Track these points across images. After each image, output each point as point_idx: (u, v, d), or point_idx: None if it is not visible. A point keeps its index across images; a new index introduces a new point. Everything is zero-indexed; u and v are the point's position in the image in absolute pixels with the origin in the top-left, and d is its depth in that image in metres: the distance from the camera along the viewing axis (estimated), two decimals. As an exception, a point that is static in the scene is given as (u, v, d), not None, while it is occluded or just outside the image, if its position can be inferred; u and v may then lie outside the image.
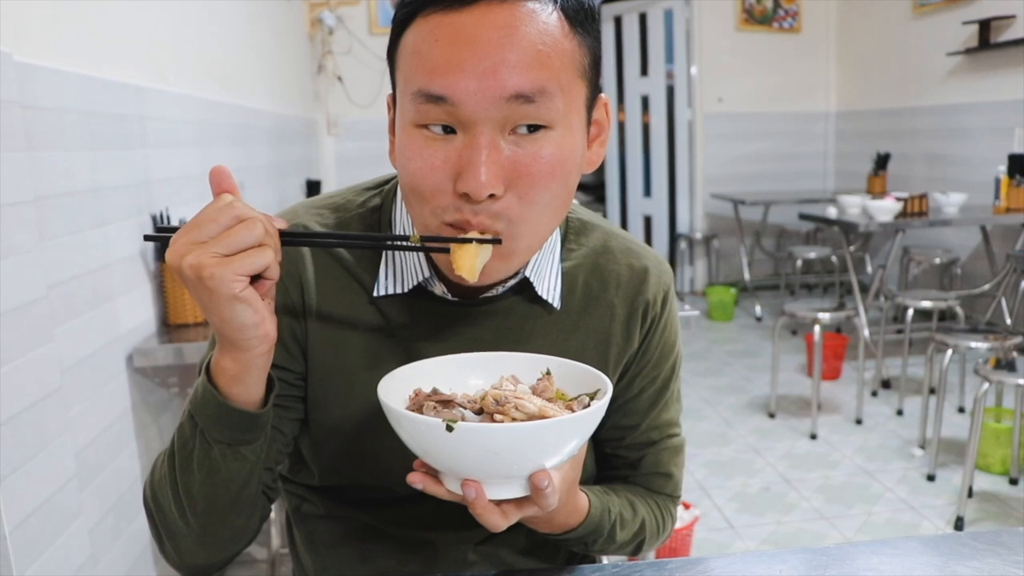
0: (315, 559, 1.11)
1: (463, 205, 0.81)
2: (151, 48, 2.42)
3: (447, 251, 0.83)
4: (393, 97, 0.89)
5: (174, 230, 0.75)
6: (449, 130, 0.80)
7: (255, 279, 0.75)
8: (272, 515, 2.63)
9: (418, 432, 0.75)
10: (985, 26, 5.18)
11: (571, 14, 0.81)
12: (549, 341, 1.00)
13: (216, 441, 0.84)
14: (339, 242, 0.88)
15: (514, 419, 0.78)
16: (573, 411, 0.82)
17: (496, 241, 0.81)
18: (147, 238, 0.80)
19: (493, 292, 0.97)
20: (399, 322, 0.97)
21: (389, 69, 0.88)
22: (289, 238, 0.80)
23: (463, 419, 0.78)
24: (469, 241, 0.82)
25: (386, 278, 0.96)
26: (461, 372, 0.90)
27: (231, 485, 0.87)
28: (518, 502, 0.79)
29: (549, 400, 0.83)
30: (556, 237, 1.01)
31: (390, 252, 0.96)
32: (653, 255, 1.08)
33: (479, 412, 0.81)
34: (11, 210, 1.52)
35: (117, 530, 1.97)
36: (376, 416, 0.96)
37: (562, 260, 1.02)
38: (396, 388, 0.83)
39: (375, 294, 0.96)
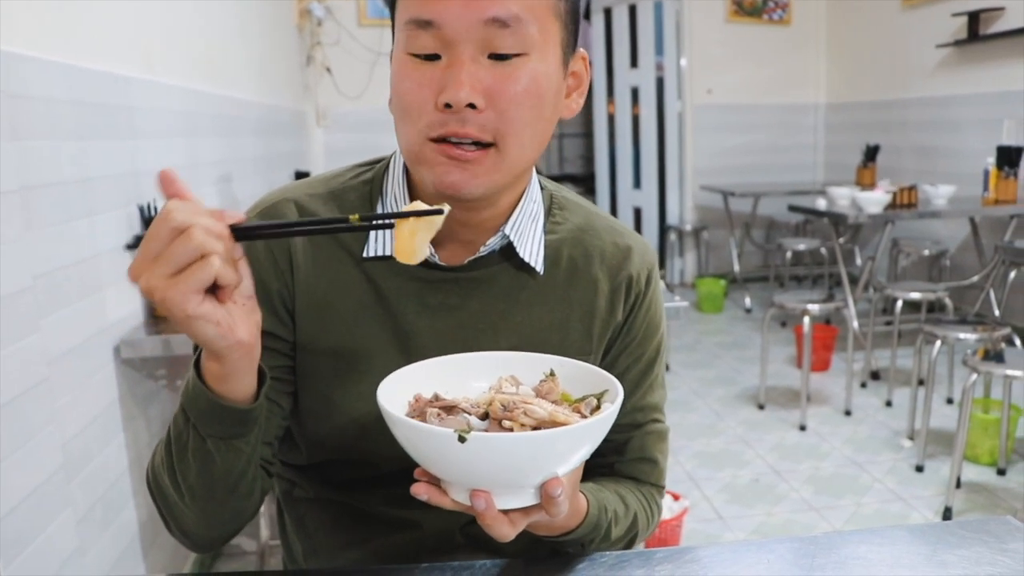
0: (305, 544, 1.12)
1: (448, 118, 0.86)
2: (138, 38, 2.40)
3: (391, 226, 0.82)
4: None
5: None
6: (433, 58, 0.87)
7: (213, 287, 0.72)
8: (262, 508, 2.62)
9: (427, 444, 0.73)
10: (974, 18, 5.19)
11: None
12: (535, 311, 1.02)
13: (208, 435, 0.85)
14: (291, 231, 0.83)
15: (523, 425, 0.76)
16: (581, 413, 0.81)
17: (437, 211, 0.79)
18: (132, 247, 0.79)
19: (478, 253, 0.99)
20: (386, 287, 0.99)
21: (391, 15, 0.95)
22: (241, 232, 0.75)
23: (469, 426, 0.77)
24: (408, 216, 0.79)
25: (375, 239, 0.99)
26: (460, 372, 0.89)
27: (227, 475, 0.88)
28: (526, 509, 0.79)
29: (555, 403, 0.82)
30: (539, 207, 1.05)
31: (380, 212, 1.00)
32: (636, 236, 1.12)
33: (484, 417, 0.79)
34: (-4, 200, 1.51)
35: (105, 521, 1.96)
36: (362, 384, 0.98)
37: (546, 232, 1.05)
38: (394, 392, 0.81)
39: (365, 255, 0.98)
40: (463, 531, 1.07)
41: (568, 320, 1.03)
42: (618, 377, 1.06)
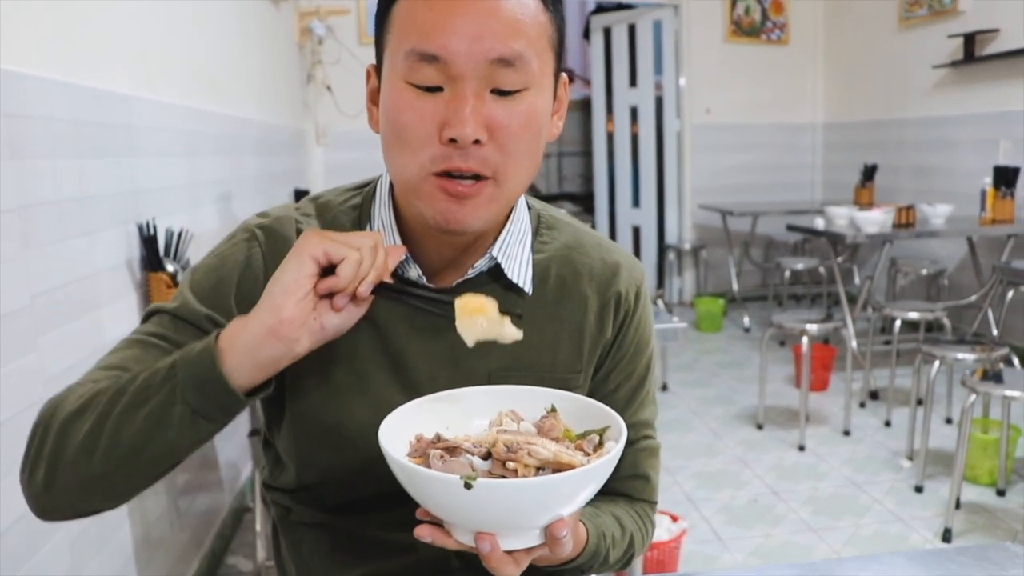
0: (300, 567, 1.11)
1: (452, 152, 0.87)
2: (139, 57, 2.41)
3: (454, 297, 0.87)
4: (375, 67, 0.97)
5: None
6: (434, 89, 0.88)
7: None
8: (258, 527, 2.61)
9: (433, 489, 0.73)
10: (970, 39, 5.22)
11: None
12: (524, 331, 1.01)
13: (184, 402, 0.81)
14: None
15: (527, 466, 0.76)
16: (584, 450, 0.81)
17: (518, 314, 0.90)
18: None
19: (466, 275, 1.00)
20: (375, 310, 0.98)
21: (376, 36, 0.95)
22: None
23: (473, 467, 0.77)
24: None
25: None
26: (461, 407, 0.89)
27: (167, 449, 0.84)
28: (529, 549, 0.79)
29: (556, 440, 0.82)
30: (526, 227, 1.06)
31: None
32: (625, 252, 1.12)
33: (486, 457, 0.79)
34: (-5, 219, 1.51)
35: (100, 541, 1.95)
36: (354, 405, 0.98)
37: (534, 252, 1.05)
38: (395, 431, 0.81)
39: None
40: (459, 555, 1.06)
41: (558, 338, 1.04)
42: (610, 394, 1.07)
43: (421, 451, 0.80)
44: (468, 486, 0.70)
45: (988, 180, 4.66)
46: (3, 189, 1.55)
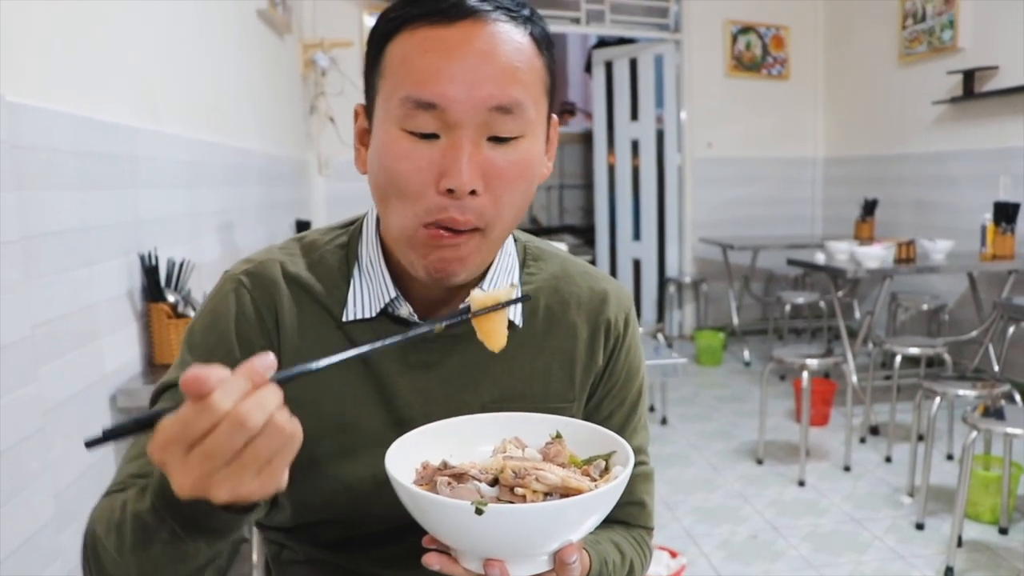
0: None
1: (448, 204, 0.86)
2: (143, 88, 2.43)
3: (465, 320, 0.85)
4: (365, 108, 0.95)
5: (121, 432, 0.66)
6: (430, 136, 0.87)
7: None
8: (254, 559, 2.59)
9: (443, 515, 0.73)
10: (969, 76, 5.26)
11: (538, 38, 0.91)
12: (515, 363, 1.03)
13: (193, 536, 0.75)
14: (356, 354, 0.76)
15: (535, 492, 0.76)
16: (590, 476, 0.81)
17: (525, 298, 0.90)
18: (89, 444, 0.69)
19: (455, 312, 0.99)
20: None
21: (365, 79, 0.94)
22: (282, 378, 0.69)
23: (480, 493, 0.77)
24: (488, 311, 0.84)
25: (354, 303, 0.99)
26: (464, 435, 0.89)
27: (204, 567, 0.80)
28: (538, 575, 0.79)
29: (563, 466, 0.82)
30: (513, 260, 1.06)
31: (357, 277, 1.00)
32: (612, 280, 1.13)
33: (493, 483, 0.79)
34: (-3, 249, 1.52)
35: (96, 574, 1.93)
36: (348, 444, 0.98)
37: (522, 283, 1.06)
38: (400, 459, 0.81)
39: (344, 319, 0.98)
40: None
41: (549, 368, 1.04)
42: (603, 422, 1.07)
43: (428, 478, 0.80)
44: (479, 511, 0.69)
45: (988, 216, 4.67)
46: (7, 220, 1.56)
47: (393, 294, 0.98)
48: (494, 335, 0.84)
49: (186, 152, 2.78)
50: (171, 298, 2.25)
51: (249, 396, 0.63)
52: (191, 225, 2.77)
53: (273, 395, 0.65)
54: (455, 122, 0.85)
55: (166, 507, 0.74)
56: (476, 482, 0.79)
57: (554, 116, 1.00)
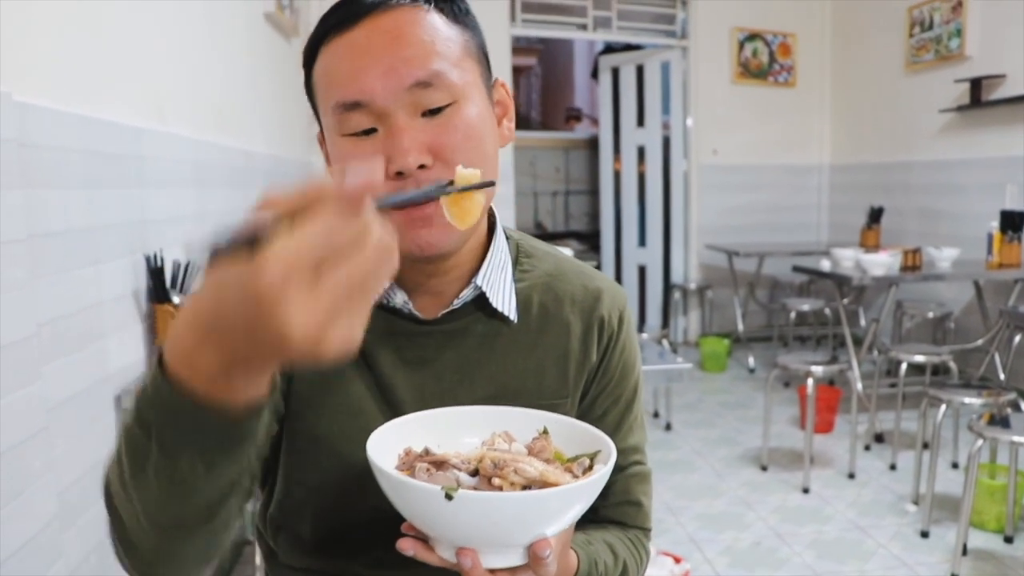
0: None
1: (403, 186, 0.88)
2: (151, 89, 2.43)
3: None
4: (321, 133, 0.98)
5: None
6: (370, 131, 0.90)
7: None
8: (257, 561, 2.59)
9: (414, 499, 0.73)
10: (976, 84, 5.25)
11: (445, 11, 0.93)
12: (509, 359, 1.03)
13: (183, 452, 0.65)
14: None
15: (513, 483, 0.76)
16: (573, 473, 0.80)
17: (490, 184, 0.85)
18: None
19: (452, 306, 1.00)
20: (363, 340, 0.97)
21: (310, 104, 0.98)
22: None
23: (458, 482, 0.77)
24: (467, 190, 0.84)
25: None
26: (454, 426, 0.89)
27: (204, 502, 0.70)
28: (512, 569, 0.78)
29: (547, 461, 0.82)
30: (506, 256, 1.06)
31: None
32: (606, 278, 1.13)
33: (474, 474, 0.79)
34: (4, 248, 1.52)
35: (100, 572, 1.93)
36: (345, 426, 0.98)
37: (516, 280, 1.06)
38: (384, 444, 0.81)
39: None
40: None
41: (543, 365, 1.04)
42: (597, 420, 1.06)
43: (408, 464, 0.80)
44: (449, 497, 0.69)
45: (995, 224, 4.66)
46: (13, 218, 1.56)
47: (386, 283, 0.97)
48: (468, 211, 0.84)
49: (192, 153, 2.78)
50: (176, 299, 2.26)
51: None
52: (197, 226, 2.78)
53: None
54: (383, 111, 0.88)
55: (149, 406, 0.64)
56: (456, 471, 0.78)
57: (499, 78, 1.01)
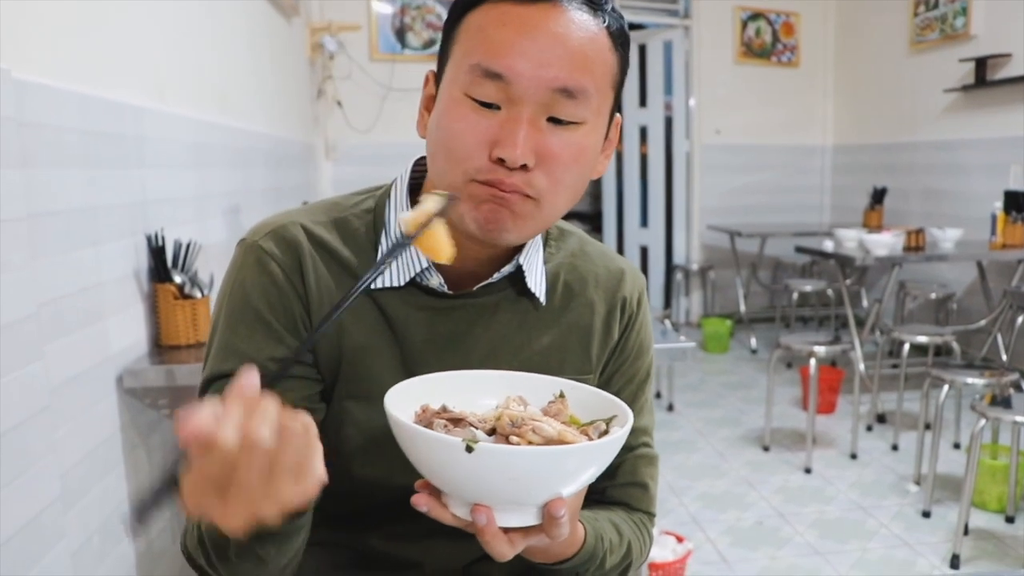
0: None
1: (497, 168, 0.88)
2: (151, 69, 2.42)
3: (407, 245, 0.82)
4: (435, 73, 0.97)
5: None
6: (491, 106, 0.88)
7: None
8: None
9: (433, 451, 0.72)
10: (982, 64, 5.22)
11: (614, 32, 0.92)
12: (534, 336, 1.05)
13: (262, 546, 0.85)
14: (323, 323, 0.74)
15: (531, 442, 0.75)
16: (588, 436, 0.80)
17: (452, 197, 0.84)
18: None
19: (490, 280, 1.00)
20: (395, 315, 0.99)
21: (442, 43, 0.96)
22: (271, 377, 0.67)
23: (475, 439, 0.76)
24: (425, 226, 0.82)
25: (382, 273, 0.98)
26: (469, 388, 0.89)
27: (285, 564, 0.90)
28: (525, 530, 0.78)
29: (564, 423, 0.81)
30: (539, 238, 1.07)
31: (385, 244, 1.00)
32: (626, 260, 1.17)
33: (491, 433, 0.79)
34: (3, 227, 1.51)
35: (102, 553, 1.94)
36: (364, 390, 0.98)
37: (544, 260, 1.07)
38: (401, 401, 0.80)
39: (372, 287, 0.96)
40: (467, 570, 1.05)
41: (566, 343, 1.06)
42: None
43: (426, 420, 0.80)
44: (470, 449, 0.69)
45: (998, 205, 4.65)
46: (13, 197, 1.55)
47: (424, 264, 0.98)
48: (438, 249, 0.81)
49: (193, 133, 2.77)
50: (178, 279, 2.25)
51: (250, 418, 0.61)
52: (198, 207, 2.77)
53: (271, 405, 0.63)
54: (518, 96, 0.87)
55: (211, 541, 0.86)
56: (473, 428, 0.78)
57: (618, 115, 1.00)
